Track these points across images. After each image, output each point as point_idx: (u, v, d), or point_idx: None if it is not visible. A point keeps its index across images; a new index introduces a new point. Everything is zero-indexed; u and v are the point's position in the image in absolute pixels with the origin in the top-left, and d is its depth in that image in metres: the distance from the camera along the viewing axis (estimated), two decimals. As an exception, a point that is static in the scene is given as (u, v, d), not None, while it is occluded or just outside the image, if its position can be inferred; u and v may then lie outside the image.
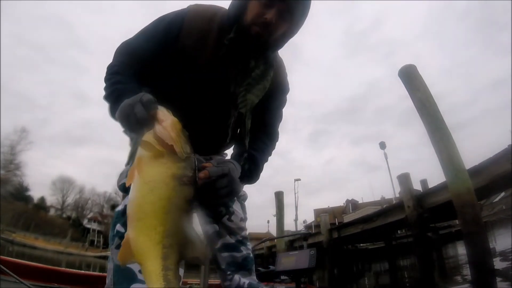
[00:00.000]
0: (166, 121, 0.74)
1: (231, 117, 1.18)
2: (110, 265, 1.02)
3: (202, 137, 1.10)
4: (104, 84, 1.05)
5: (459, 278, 7.89)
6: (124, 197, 1.11)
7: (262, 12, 1.03)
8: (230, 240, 1.37)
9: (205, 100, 1.13)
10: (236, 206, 1.40)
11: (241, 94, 1.14)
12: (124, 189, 1.10)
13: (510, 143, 5.03)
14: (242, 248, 1.40)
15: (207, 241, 1.35)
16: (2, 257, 1.94)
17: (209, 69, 1.12)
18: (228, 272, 1.35)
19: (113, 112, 0.93)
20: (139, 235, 0.68)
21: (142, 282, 0.88)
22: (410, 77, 6.48)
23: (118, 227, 0.99)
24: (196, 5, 1.18)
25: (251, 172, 1.24)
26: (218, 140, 1.27)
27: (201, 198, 0.84)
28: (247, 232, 1.49)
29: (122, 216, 1.02)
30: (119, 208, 1.07)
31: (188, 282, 3.41)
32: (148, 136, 0.73)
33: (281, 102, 1.38)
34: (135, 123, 0.78)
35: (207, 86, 1.14)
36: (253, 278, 1.41)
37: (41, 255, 27.24)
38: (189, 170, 0.72)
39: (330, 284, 10.68)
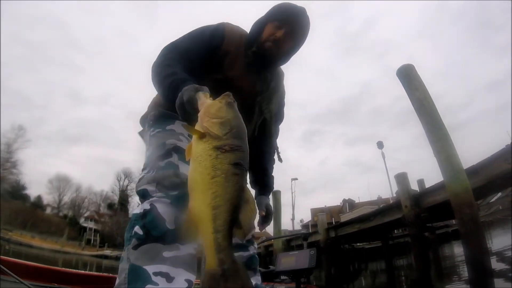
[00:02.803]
0: (203, 102, 0.91)
1: (254, 120, 1.50)
2: (123, 265, 1.06)
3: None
4: (155, 76, 1.23)
5: (456, 278, 7.91)
6: (142, 202, 1.16)
7: (273, 32, 1.40)
8: (239, 241, 1.46)
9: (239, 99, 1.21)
10: None
11: (264, 102, 1.48)
12: (143, 195, 1.18)
13: (508, 143, 5.03)
14: (250, 248, 1.51)
15: None
16: (2, 257, 1.93)
17: (242, 73, 1.40)
18: None
19: (171, 97, 1.07)
20: (194, 202, 0.80)
21: (156, 284, 0.96)
22: (408, 77, 6.48)
23: (137, 229, 1.06)
24: (228, 23, 1.46)
25: (269, 187, 1.71)
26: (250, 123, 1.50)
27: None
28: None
29: (141, 219, 1.07)
30: (137, 211, 1.12)
31: None
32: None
33: (283, 105, 1.73)
34: (188, 107, 0.94)
35: (241, 87, 1.38)
36: (258, 278, 1.51)
37: (38, 253, 27.18)
38: (230, 139, 0.83)
39: (327, 283, 10.69)
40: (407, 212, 7.30)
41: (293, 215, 27.18)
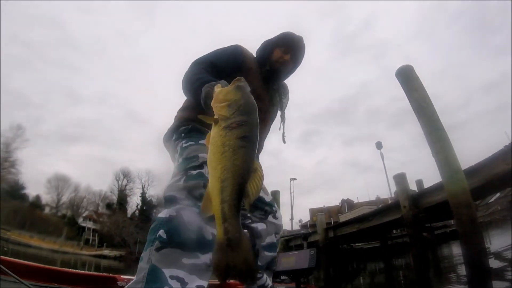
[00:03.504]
0: (216, 93, 1.03)
1: (270, 120, 1.88)
2: (143, 265, 1.17)
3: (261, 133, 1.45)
4: (186, 83, 1.49)
5: (454, 278, 7.93)
6: (169, 207, 1.24)
7: (282, 56, 1.80)
8: (274, 239, 1.73)
9: (264, 108, 1.63)
10: (276, 206, 1.80)
11: (275, 107, 1.88)
12: (171, 200, 1.27)
13: (507, 144, 5.05)
14: (277, 248, 1.76)
15: (254, 238, 1.64)
16: (2, 257, 1.93)
17: (260, 85, 1.73)
18: (260, 271, 1.63)
19: (199, 98, 1.25)
20: (210, 180, 0.91)
21: (171, 287, 1.06)
22: (407, 78, 6.49)
23: (161, 232, 1.15)
24: (241, 45, 1.78)
25: None
26: (265, 136, 1.86)
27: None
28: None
29: (166, 224, 1.16)
30: (163, 215, 1.21)
31: None
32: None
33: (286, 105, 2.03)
34: (207, 102, 1.11)
35: (260, 95, 1.65)
36: (271, 281, 1.71)
37: (36, 253, 27.12)
38: (237, 117, 0.93)
39: (326, 283, 10.71)
40: (406, 212, 7.32)
41: (291, 215, 27.15)
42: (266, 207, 1.75)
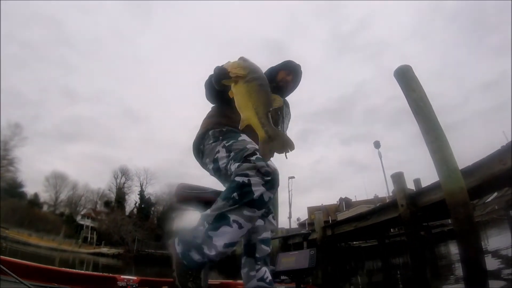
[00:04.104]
0: (228, 65, 1.46)
1: (279, 127, 2.13)
2: (212, 212, 1.51)
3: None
4: (206, 83, 1.86)
5: (451, 276, 7.96)
6: (240, 177, 1.53)
7: (285, 77, 2.22)
8: (269, 236, 1.93)
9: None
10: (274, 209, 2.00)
11: (282, 117, 2.23)
12: (245, 175, 1.53)
13: (503, 145, 5.08)
14: (271, 245, 1.93)
15: (250, 232, 1.82)
16: (2, 257, 1.93)
17: None
18: (259, 263, 1.83)
19: (210, 84, 1.76)
20: (244, 112, 1.36)
21: (230, 226, 1.45)
22: (405, 78, 6.52)
23: (235, 194, 1.48)
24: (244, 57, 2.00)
25: None
26: None
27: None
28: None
29: (239, 188, 1.50)
30: (239, 180, 1.51)
31: None
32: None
33: (289, 118, 2.41)
34: (221, 75, 1.48)
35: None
36: (271, 276, 1.88)
37: (35, 251, 27.10)
38: (251, 74, 1.39)
39: (324, 282, 10.74)
40: (403, 211, 7.36)
41: (290, 213, 27.14)
42: (269, 206, 1.92)
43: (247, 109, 1.34)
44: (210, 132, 1.89)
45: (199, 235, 1.47)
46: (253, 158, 1.57)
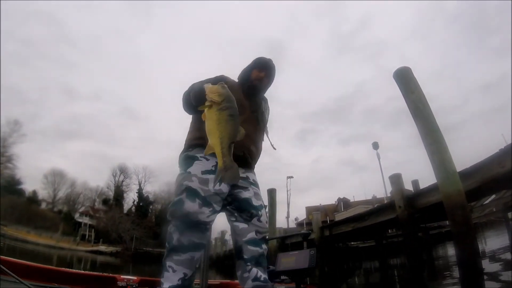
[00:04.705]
0: (207, 87, 1.55)
1: (255, 130, 2.20)
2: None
3: (250, 135, 2.06)
4: (183, 98, 2.01)
5: (448, 278, 7.99)
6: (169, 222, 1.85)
7: (259, 75, 2.27)
8: (256, 236, 1.96)
9: (244, 121, 1.88)
10: (263, 211, 2.05)
11: (259, 119, 2.24)
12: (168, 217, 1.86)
13: (502, 148, 5.09)
14: (263, 245, 1.98)
15: (235, 234, 1.98)
16: (2, 257, 1.95)
17: (244, 103, 2.10)
18: (248, 264, 1.89)
19: (188, 97, 1.92)
20: (211, 139, 1.47)
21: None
22: (405, 80, 6.54)
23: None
24: (224, 75, 2.24)
25: None
26: (256, 138, 2.22)
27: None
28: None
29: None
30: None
31: None
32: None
33: (268, 113, 2.42)
34: (199, 95, 1.66)
35: (244, 113, 2.02)
36: (266, 275, 1.95)
37: (33, 249, 27.06)
38: (225, 103, 1.49)
39: (321, 281, 10.76)
40: (401, 213, 7.38)
41: (288, 213, 27.13)
42: (252, 210, 1.98)
43: (214, 137, 1.46)
44: (181, 156, 2.10)
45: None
46: (176, 199, 1.84)
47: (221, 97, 1.49)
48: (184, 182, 1.83)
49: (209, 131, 1.49)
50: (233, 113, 1.49)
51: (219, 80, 1.91)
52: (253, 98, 2.27)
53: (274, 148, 2.34)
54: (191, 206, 1.73)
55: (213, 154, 1.60)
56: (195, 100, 1.73)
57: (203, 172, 1.86)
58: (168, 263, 1.71)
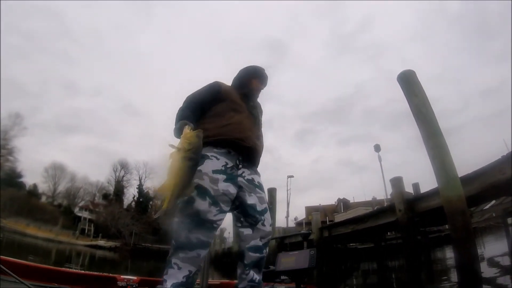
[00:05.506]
0: (185, 132, 1.67)
1: (255, 126, 2.30)
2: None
3: (252, 129, 2.20)
4: (176, 119, 2.00)
5: (446, 281, 8.00)
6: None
7: (259, 86, 2.50)
8: (259, 242, 2.01)
9: (245, 118, 2.20)
10: (267, 214, 2.09)
11: (258, 118, 2.37)
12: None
13: (504, 155, 5.09)
14: (264, 250, 2.04)
15: (240, 240, 2.03)
16: (2, 257, 1.95)
17: (241, 103, 2.27)
18: (247, 267, 1.95)
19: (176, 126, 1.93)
20: (168, 181, 1.58)
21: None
22: (409, 83, 6.54)
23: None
24: (218, 81, 2.35)
25: None
26: (258, 133, 2.32)
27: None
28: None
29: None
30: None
31: None
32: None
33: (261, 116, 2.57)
34: (178, 132, 1.77)
35: (243, 111, 2.24)
36: (260, 276, 2.03)
37: (32, 242, 27.11)
38: (190, 153, 1.60)
39: (319, 282, 10.77)
40: (401, 216, 7.38)
41: (287, 212, 27.21)
42: (257, 215, 2.03)
43: (170, 181, 1.58)
44: None
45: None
46: (186, 197, 1.86)
47: (190, 146, 1.60)
48: (194, 180, 1.82)
49: (169, 171, 1.62)
50: (194, 164, 1.65)
51: (213, 87, 2.28)
52: (248, 102, 2.40)
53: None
54: (201, 204, 1.78)
55: (224, 154, 1.96)
56: (176, 134, 1.86)
57: (214, 171, 1.89)
58: (173, 260, 1.73)
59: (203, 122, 2.09)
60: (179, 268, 1.71)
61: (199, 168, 1.87)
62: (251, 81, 2.47)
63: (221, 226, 1.90)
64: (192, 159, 1.60)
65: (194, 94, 2.22)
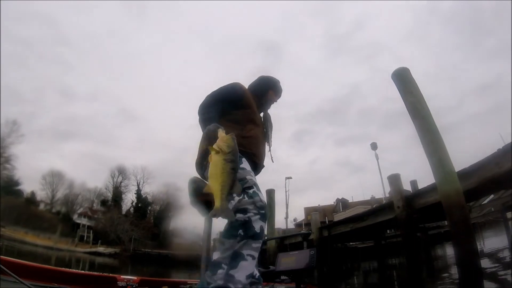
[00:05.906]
0: (221, 135, 1.70)
1: (266, 136, 2.51)
2: (227, 250, 1.79)
3: (263, 148, 2.37)
4: (201, 116, 2.16)
5: (447, 278, 8.01)
6: (244, 214, 1.86)
7: (274, 98, 2.66)
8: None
9: (260, 133, 2.33)
10: None
11: (267, 133, 2.51)
12: (244, 211, 1.88)
13: (500, 147, 5.10)
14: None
15: None
16: (2, 257, 1.94)
17: (259, 116, 2.44)
18: None
19: (203, 120, 2.12)
20: (212, 183, 1.61)
21: (246, 260, 1.76)
22: (403, 80, 6.55)
23: (240, 231, 1.80)
24: (239, 83, 2.42)
25: None
26: (265, 153, 2.43)
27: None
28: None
29: (242, 226, 1.81)
30: (241, 219, 1.83)
31: (188, 282, 3.44)
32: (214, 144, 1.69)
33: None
34: (211, 134, 1.85)
35: (260, 124, 2.39)
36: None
37: (31, 250, 26.98)
38: (230, 155, 1.62)
39: (319, 282, 10.76)
40: (400, 213, 7.39)
41: (286, 213, 27.18)
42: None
43: (216, 182, 1.61)
44: None
45: (221, 277, 1.72)
46: (251, 191, 1.95)
47: (229, 148, 1.64)
48: (247, 177, 1.99)
49: (211, 174, 1.64)
50: (235, 167, 1.65)
51: (237, 92, 2.36)
52: (261, 112, 2.56)
53: (273, 161, 2.57)
54: (263, 197, 1.95)
55: (246, 154, 2.09)
56: (205, 139, 1.92)
57: (250, 171, 2.06)
58: (246, 251, 1.77)
59: (223, 124, 2.12)
60: (254, 258, 1.77)
61: (242, 166, 2.03)
62: (268, 91, 2.61)
63: (221, 229, 1.96)
64: (233, 162, 1.64)
65: (219, 93, 2.28)
